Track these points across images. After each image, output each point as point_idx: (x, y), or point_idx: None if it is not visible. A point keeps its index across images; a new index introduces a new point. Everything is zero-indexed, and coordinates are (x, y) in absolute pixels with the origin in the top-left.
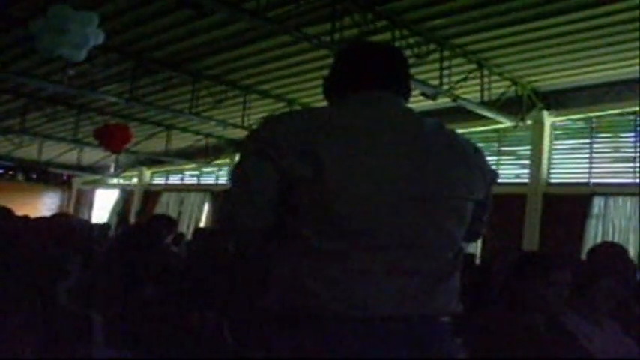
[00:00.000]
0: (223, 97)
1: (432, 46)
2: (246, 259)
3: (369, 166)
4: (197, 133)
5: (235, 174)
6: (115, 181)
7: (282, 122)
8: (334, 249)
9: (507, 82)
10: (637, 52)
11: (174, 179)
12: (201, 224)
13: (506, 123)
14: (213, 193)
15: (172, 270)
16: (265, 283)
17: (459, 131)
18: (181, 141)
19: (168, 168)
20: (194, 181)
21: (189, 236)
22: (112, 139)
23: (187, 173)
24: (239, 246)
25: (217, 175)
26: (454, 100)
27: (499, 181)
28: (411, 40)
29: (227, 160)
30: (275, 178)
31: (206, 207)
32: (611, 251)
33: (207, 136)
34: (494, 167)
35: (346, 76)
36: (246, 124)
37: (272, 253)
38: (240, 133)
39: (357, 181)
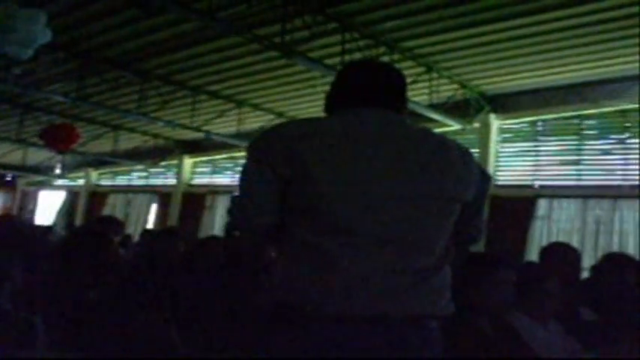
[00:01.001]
0: (172, 97)
1: (382, 49)
2: (244, 258)
3: (354, 168)
4: (145, 133)
5: (241, 180)
6: (60, 182)
7: (275, 131)
8: (320, 246)
9: (455, 86)
10: (582, 57)
11: (121, 180)
12: (149, 225)
13: (453, 126)
14: (160, 194)
15: (119, 272)
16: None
17: None
18: (129, 141)
19: (115, 169)
20: (142, 182)
21: (136, 238)
22: (57, 139)
23: (135, 174)
24: (243, 244)
25: (165, 176)
26: None
27: None
28: (361, 43)
29: (175, 161)
30: (273, 181)
31: (153, 208)
32: (561, 252)
33: (155, 136)
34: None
35: (341, 93)
36: (194, 124)
37: (271, 253)
38: (188, 134)
39: (342, 182)
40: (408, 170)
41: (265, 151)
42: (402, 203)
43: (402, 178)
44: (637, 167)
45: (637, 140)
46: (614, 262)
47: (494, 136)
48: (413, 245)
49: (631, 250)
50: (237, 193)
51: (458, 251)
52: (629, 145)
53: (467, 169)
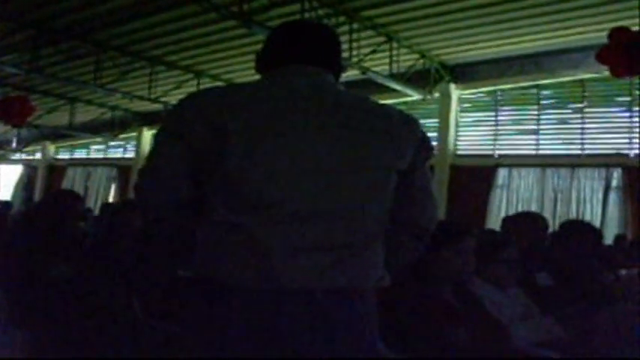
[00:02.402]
0: (129, 68)
1: (342, 18)
2: (150, 234)
3: (279, 139)
4: (102, 105)
5: (150, 152)
6: (17, 156)
7: (194, 99)
8: (239, 222)
9: (416, 56)
10: (539, 27)
11: (79, 154)
12: (109, 199)
13: (414, 96)
14: (120, 167)
15: (80, 247)
16: (176, 256)
17: None
18: (86, 114)
19: (73, 142)
20: (100, 155)
21: (96, 211)
22: (12, 112)
23: (93, 147)
24: (146, 220)
25: (124, 148)
26: (363, 73)
27: None
28: (321, 12)
29: (134, 134)
30: (184, 154)
31: (113, 182)
32: (525, 221)
33: (113, 108)
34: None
35: (273, 51)
36: (152, 96)
37: (189, 227)
38: (146, 106)
39: (264, 155)
40: (336, 139)
41: (181, 122)
42: (328, 175)
43: (329, 148)
44: (593, 136)
45: (593, 109)
46: (572, 230)
47: (454, 105)
48: (339, 219)
49: (588, 217)
50: (144, 166)
51: (409, 241)
52: (586, 115)
53: (402, 136)
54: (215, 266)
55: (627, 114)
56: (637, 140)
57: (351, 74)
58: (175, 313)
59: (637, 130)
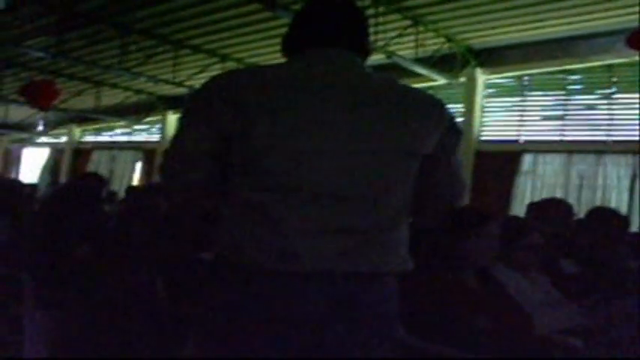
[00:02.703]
0: (154, 52)
1: (367, 1)
2: (177, 215)
3: (301, 121)
4: (127, 89)
5: (175, 134)
6: (44, 139)
7: (219, 80)
8: (262, 202)
9: (442, 39)
10: (568, 12)
11: (104, 137)
12: (134, 182)
13: (440, 80)
14: (145, 150)
15: (104, 229)
16: (201, 239)
17: None
18: (111, 97)
19: (98, 125)
20: (125, 138)
21: (121, 194)
22: (38, 95)
23: (118, 131)
24: (170, 201)
25: (149, 132)
26: (389, 57)
27: None
28: None
29: (159, 117)
30: (207, 135)
31: (138, 165)
32: (550, 207)
33: (138, 92)
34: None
35: (299, 33)
36: (177, 79)
37: (215, 210)
38: (171, 90)
39: (287, 136)
40: (358, 122)
41: (205, 103)
42: (350, 158)
43: (351, 130)
44: (621, 122)
45: (622, 95)
46: (599, 216)
47: (480, 90)
48: (362, 203)
49: (614, 204)
50: (169, 148)
51: (433, 212)
52: (614, 101)
53: (427, 119)
54: (237, 248)
55: None
56: None
57: (376, 58)
58: (195, 295)
59: None
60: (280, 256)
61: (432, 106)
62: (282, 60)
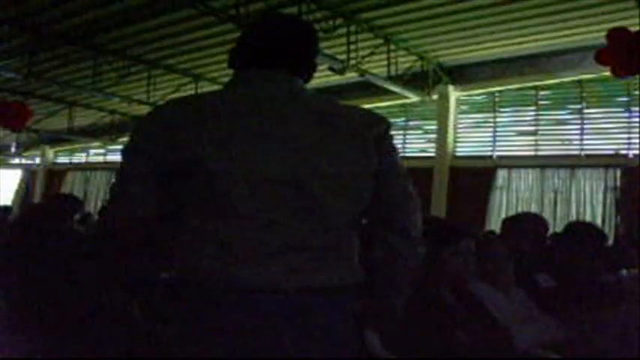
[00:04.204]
0: (127, 72)
1: (339, 21)
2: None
3: (247, 149)
4: (101, 109)
5: (117, 171)
6: (17, 160)
7: (157, 114)
8: (211, 229)
9: (414, 57)
10: (537, 29)
11: (79, 158)
12: None
13: (412, 98)
14: None
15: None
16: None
17: (366, 106)
18: (85, 118)
19: (72, 146)
20: (100, 159)
21: (96, 216)
22: (10, 116)
23: (92, 151)
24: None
25: None
26: (361, 75)
27: (406, 155)
28: (318, 14)
29: None
30: (149, 171)
31: None
32: (525, 222)
33: (112, 112)
34: (399, 142)
35: (243, 50)
36: (151, 99)
37: (166, 236)
38: (145, 110)
39: (231, 164)
40: (302, 145)
41: (145, 138)
42: (299, 179)
43: (296, 154)
44: (592, 137)
45: (592, 110)
46: (575, 231)
47: (452, 107)
48: (311, 221)
49: (588, 218)
50: (111, 186)
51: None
52: (585, 115)
53: (365, 137)
54: (191, 271)
55: (626, 114)
56: (636, 140)
57: (349, 76)
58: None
59: (636, 130)
60: (232, 279)
61: (369, 123)
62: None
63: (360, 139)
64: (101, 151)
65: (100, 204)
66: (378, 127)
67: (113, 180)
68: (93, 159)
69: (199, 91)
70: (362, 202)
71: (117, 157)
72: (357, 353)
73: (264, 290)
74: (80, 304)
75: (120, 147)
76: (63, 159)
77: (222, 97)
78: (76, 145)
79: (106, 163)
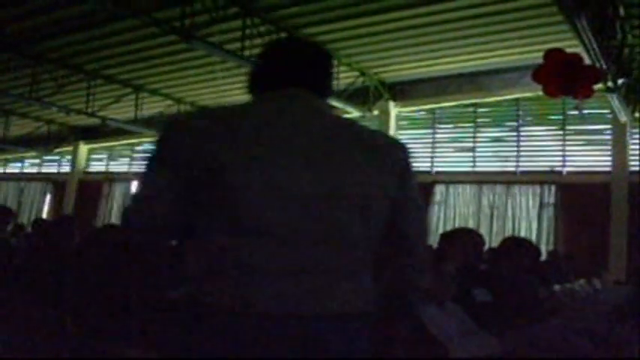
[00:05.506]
0: (66, 81)
1: (283, 35)
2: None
3: (271, 166)
4: (38, 119)
5: (139, 181)
6: None
7: (184, 124)
8: (229, 246)
9: (356, 73)
10: (477, 47)
11: (13, 168)
12: (43, 215)
13: (353, 113)
14: (55, 182)
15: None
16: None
17: None
18: (21, 127)
19: (6, 156)
20: (35, 169)
21: (29, 228)
22: None
23: (27, 161)
24: (132, 243)
25: (60, 163)
26: None
27: None
28: (262, 29)
29: (70, 148)
30: (172, 182)
31: (48, 197)
32: (461, 237)
33: (49, 122)
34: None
35: (263, 73)
36: (90, 110)
37: (177, 250)
38: (84, 120)
39: (255, 181)
40: (329, 168)
41: (170, 149)
42: (320, 202)
43: (318, 174)
44: (528, 154)
45: (528, 128)
46: (511, 246)
47: (392, 123)
48: (329, 244)
49: (523, 233)
50: (133, 195)
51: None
52: (521, 133)
53: (387, 162)
54: (205, 289)
55: (560, 132)
56: (571, 158)
57: None
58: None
59: (570, 148)
60: (247, 299)
61: (391, 148)
62: (200, 91)
63: (382, 161)
64: (37, 161)
65: (34, 215)
66: (402, 152)
67: (135, 188)
68: (28, 169)
69: (140, 102)
70: (380, 226)
71: (52, 168)
72: None
73: (282, 315)
74: (11, 318)
75: (56, 157)
76: None
77: (248, 112)
78: (11, 155)
79: (41, 174)
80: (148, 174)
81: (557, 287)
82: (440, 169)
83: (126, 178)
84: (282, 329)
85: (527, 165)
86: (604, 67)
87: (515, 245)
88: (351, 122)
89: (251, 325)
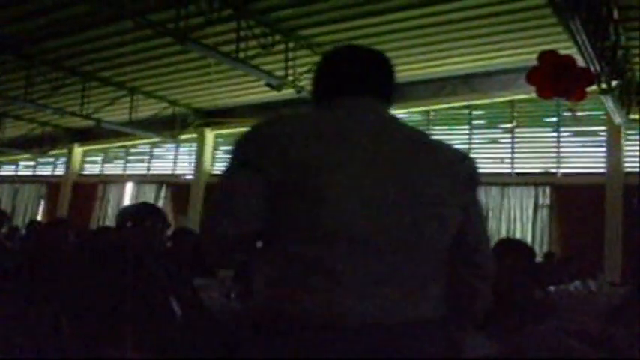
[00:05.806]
0: (61, 83)
1: (278, 37)
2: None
3: (352, 173)
4: (33, 121)
5: (221, 184)
6: None
7: (265, 130)
8: (316, 256)
9: None
10: (472, 49)
11: (7, 170)
12: (38, 217)
13: None
14: (49, 184)
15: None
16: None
17: None
18: (15, 130)
19: (0, 159)
20: (29, 172)
21: (24, 230)
22: None
23: (22, 164)
24: (211, 253)
25: (54, 165)
26: (298, 92)
27: None
28: (257, 31)
29: (64, 150)
30: (260, 188)
31: (42, 200)
32: None
33: (44, 124)
34: None
35: (330, 81)
36: (85, 112)
37: (250, 259)
38: (78, 122)
39: (342, 188)
40: (405, 176)
41: (255, 154)
42: (398, 210)
43: (395, 182)
44: (523, 156)
45: (523, 129)
46: (506, 247)
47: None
48: (411, 253)
49: (518, 235)
50: (215, 199)
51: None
52: (516, 135)
53: (456, 172)
54: (282, 301)
55: (555, 134)
56: (565, 160)
57: (286, 93)
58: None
59: (565, 150)
60: (330, 309)
61: (459, 159)
62: (195, 93)
63: (452, 172)
64: (31, 163)
65: (28, 218)
66: (470, 164)
67: (216, 195)
68: (23, 172)
69: (134, 104)
70: (451, 235)
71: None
72: None
73: (361, 326)
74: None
75: (50, 160)
76: None
77: (327, 119)
78: (5, 158)
79: (35, 176)
80: (234, 179)
81: (552, 289)
82: None
83: (121, 180)
84: (364, 340)
85: (522, 167)
86: (598, 68)
87: (510, 247)
88: (422, 133)
89: (332, 337)
